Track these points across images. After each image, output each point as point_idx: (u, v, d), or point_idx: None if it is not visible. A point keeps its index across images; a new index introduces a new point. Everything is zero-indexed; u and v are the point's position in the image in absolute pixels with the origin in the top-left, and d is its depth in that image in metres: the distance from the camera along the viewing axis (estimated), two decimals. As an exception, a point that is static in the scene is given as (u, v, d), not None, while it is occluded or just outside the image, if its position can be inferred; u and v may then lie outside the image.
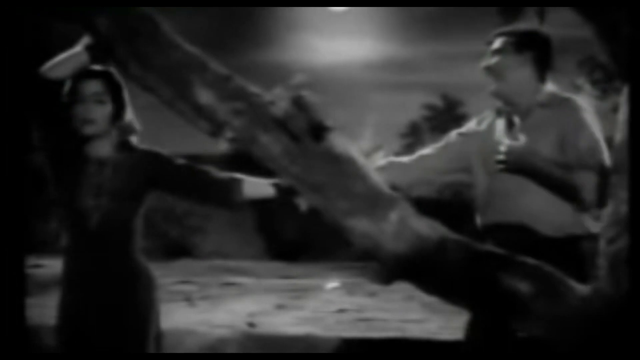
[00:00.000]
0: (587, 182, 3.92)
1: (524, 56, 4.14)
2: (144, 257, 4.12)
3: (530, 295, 3.58)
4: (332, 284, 11.55)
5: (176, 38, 3.71)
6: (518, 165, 3.93)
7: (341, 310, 8.99)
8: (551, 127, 4.07)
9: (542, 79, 4.18)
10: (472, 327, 4.15)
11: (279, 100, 3.60)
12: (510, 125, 4.19)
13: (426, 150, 4.53)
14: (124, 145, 4.14)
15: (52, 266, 10.54)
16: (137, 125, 4.21)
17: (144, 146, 4.20)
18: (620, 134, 4.00)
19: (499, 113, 4.28)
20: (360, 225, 3.57)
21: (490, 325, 3.90)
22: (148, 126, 4.21)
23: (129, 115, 4.19)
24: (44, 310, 7.67)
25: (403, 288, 4.14)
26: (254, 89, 3.68)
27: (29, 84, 3.85)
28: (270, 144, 3.58)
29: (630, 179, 3.65)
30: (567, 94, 4.22)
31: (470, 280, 3.60)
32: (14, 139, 3.65)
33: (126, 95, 4.16)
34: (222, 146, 3.66)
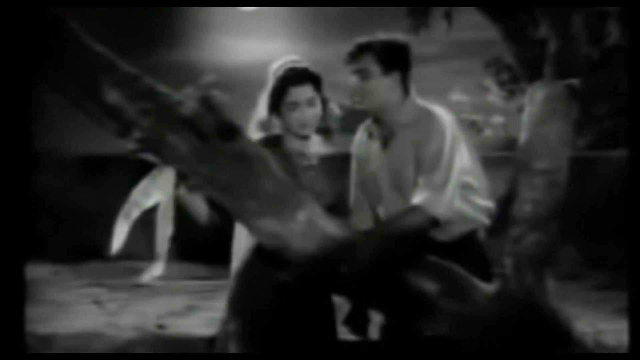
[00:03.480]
0: (430, 201, 3.83)
1: (391, 78, 4.01)
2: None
3: (437, 295, 3.62)
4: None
5: (84, 38, 3.68)
6: (367, 250, 3.80)
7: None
8: (411, 145, 3.97)
9: (406, 92, 4.06)
10: (385, 328, 4.12)
11: (187, 100, 3.58)
12: (383, 145, 4.06)
13: (355, 206, 4.26)
14: (324, 133, 4.18)
15: (43, 269, 10.39)
16: (335, 111, 4.19)
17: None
18: (524, 134, 4.07)
19: (370, 129, 4.17)
20: (268, 226, 3.58)
21: (397, 322, 3.88)
22: (56, 126, 4.15)
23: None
24: (44, 311, 7.57)
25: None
26: (163, 88, 3.65)
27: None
28: (179, 144, 3.56)
29: (630, 179, 3.70)
30: (427, 106, 4.06)
31: (377, 280, 3.62)
32: (15, 139, 3.59)
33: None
34: (130, 146, 3.62)
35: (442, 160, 3.86)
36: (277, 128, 4.04)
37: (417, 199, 3.82)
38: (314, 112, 3.97)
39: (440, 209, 3.81)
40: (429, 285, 3.62)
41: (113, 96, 3.58)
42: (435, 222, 3.83)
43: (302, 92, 3.95)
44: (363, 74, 4.00)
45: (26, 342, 6.51)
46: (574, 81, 4.26)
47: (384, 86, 3.99)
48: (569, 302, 4.32)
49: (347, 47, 4.08)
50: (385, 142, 4.05)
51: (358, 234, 3.75)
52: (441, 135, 3.90)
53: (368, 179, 4.11)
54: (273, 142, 3.98)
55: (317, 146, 4.09)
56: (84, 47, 3.64)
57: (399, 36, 4.08)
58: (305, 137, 4.02)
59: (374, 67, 3.98)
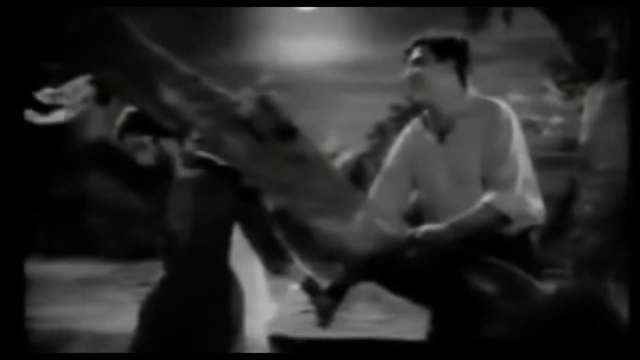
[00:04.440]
0: (501, 199, 3.78)
1: (446, 64, 3.99)
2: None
3: (496, 296, 3.59)
4: (297, 284, 11.53)
5: (142, 38, 3.70)
6: (435, 247, 3.76)
7: (306, 311, 8.97)
8: (475, 137, 3.93)
9: (464, 85, 4.02)
10: (435, 326, 4.09)
11: (245, 100, 3.59)
12: (440, 138, 3.98)
13: (377, 195, 4.18)
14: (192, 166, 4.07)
15: (51, 267, 10.50)
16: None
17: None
18: (584, 135, 4.03)
19: (425, 124, 4.09)
20: (326, 226, 3.57)
21: (453, 323, 3.84)
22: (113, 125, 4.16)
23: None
24: (44, 311, 7.65)
25: (369, 288, 4.12)
26: (220, 89, 3.67)
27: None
28: (236, 145, 3.57)
29: (630, 179, 3.65)
30: (488, 99, 4.04)
31: (436, 281, 3.60)
32: (15, 140, 3.62)
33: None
34: (188, 147, 3.65)
35: (508, 153, 3.82)
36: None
37: (488, 197, 3.78)
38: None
39: (511, 206, 3.76)
40: (488, 286, 3.59)
41: (171, 97, 3.60)
42: (505, 220, 3.78)
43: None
44: (417, 62, 3.99)
45: (83, 340, 6.58)
46: (635, 82, 4.20)
47: (438, 72, 3.97)
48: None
49: (402, 47, 4.07)
50: (443, 135, 3.99)
51: (418, 233, 3.72)
52: (507, 127, 3.87)
53: (420, 173, 4.05)
54: None
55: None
56: (142, 47, 3.66)
57: (454, 33, 4.06)
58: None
59: (428, 55, 3.99)
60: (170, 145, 3.98)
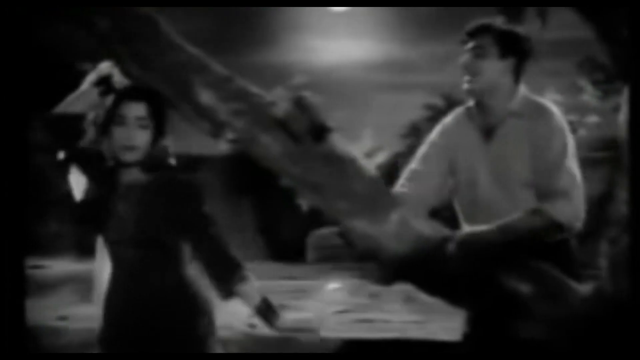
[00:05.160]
0: (559, 208, 3.70)
1: (507, 62, 3.91)
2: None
3: (532, 297, 3.57)
4: (333, 284, 11.53)
5: (176, 39, 3.71)
6: (473, 252, 3.70)
7: (342, 311, 8.98)
8: (524, 139, 3.85)
9: (517, 82, 3.97)
10: (470, 327, 4.07)
11: (279, 100, 3.59)
12: (486, 135, 3.93)
13: (409, 182, 4.04)
14: (154, 169, 3.69)
15: (51, 267, 10.55)
16: (170, 149, 3.77)
17: (181, 174, 3.74)
18: (623, 134, 3.99)
19: (470, 117, 4.01)
20: (361, 227, 3.57)
21: (489, 324, 3.81)
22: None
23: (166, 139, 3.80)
24: (44, 311, 7.68)
25: (404, 289, 4.11)
26: (254, 89, 3.67)
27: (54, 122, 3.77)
28: (271, 145, 3.58)
29: (630, 179, 3.64)
30: (538, 100, 3.99)
31: (471, 281, 3.59)
32: (15, 140, 3.64)
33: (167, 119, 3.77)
34: (223, 147, 3.65)
35: (565, 161, 3.78)
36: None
37: (546, 204, 3.73)
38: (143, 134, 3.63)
39: (568, 216, 3.73)
40: (524, 287, 3.57)
41: (206, 97, 3.61)
42: (558, 228, 3.74)
43: (133, 109, 3.63)
44: (478, 52, 3.90)
45: (80, 339, 6.60)
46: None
47: (497, 69, 3.90)
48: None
49: (435, 46, 4.03)
50: (490, 132, 3.94)
51: (461, 235, 3.69)
52: (562, 133, 3.83)
53: (461, 168, 3.99)
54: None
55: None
56: (176, 47, 3.68)
57: (520, 28, 4.02)
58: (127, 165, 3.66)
59: (491, 48, 3.90)
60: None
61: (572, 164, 3.81)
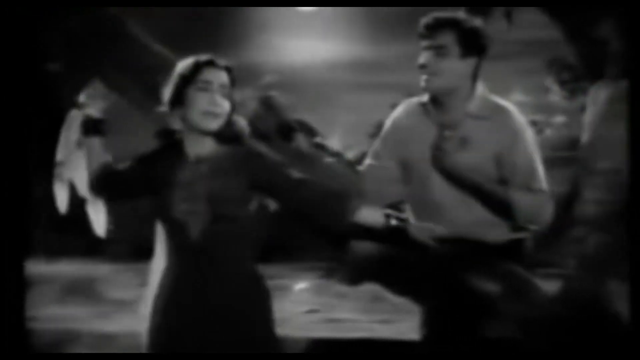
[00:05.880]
0: (521, 202, 3.70)
1: (467, 62, 3.75)
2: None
3: (499, 296, 3.58)
4: (301, 284, 11.52)
5: (145, 39, 3.70)
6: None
7: (310, 311, 8.96)
8: (486, 142, 3.77)
9: (475, 82, 3.83)
10: (427, 328, 4.00)
11: (248, 100, 3.59)
12: (442, 134, 3.80)
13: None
14: (231, 141, 3.54)
15: (52, 268, 10.50)
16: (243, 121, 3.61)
17: (248, 143, 3.60)
18: (586, 135, 4.02)
19: (426, 113, 3.88)
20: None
21: (455, 323, 3.77)
22: (116, 127, 4.14)
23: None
24: (45, 311, 7.64)
25: (372, 289, 4.11)
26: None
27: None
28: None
29: (630, 178, 3.65)
30: (496, 100, 3.88)
31: (438, 281, 3.59)
32: (15, 140, 3.62)
33: None
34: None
35: (537, 163, 3.76)
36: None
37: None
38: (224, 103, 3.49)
39: (550, 213, 3.73)
40: (491, 287, 3.58)
41: (173, 97, 3.60)
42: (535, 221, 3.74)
43: (217, 75, 3.50)
44: (440, 51, 3.77)
45: (85, 341, 6.58)
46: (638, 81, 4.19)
47: (457, 69, 3.77)
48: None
49: (403, 46, 3.95)
50: (446, 131, 3.82)
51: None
52: (529, 136, 3.81)
53: (413, 165, 3.90)
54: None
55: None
56: (144, 48, 3.67)
57: (478, 22, 3.87)
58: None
59: (453, 47, 3.77)
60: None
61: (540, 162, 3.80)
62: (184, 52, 3.68)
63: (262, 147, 3.64)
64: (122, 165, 3.60)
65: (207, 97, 3.43)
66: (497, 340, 3.66)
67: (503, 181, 3.78)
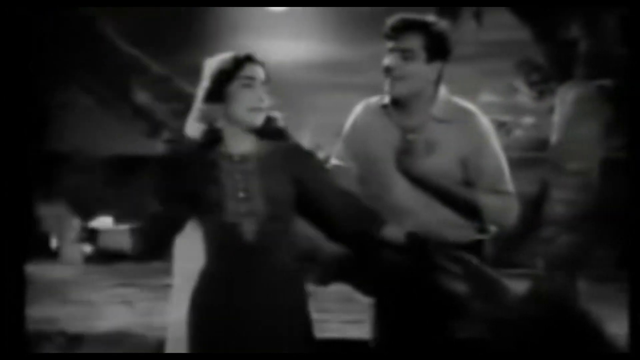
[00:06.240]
0: (489, 204, 3.67)
1: (432, 66, 3.70)
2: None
3: (467, 296, 3.59)
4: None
5: (115, 39, 3.69)
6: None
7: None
8: (450, 146, 3.71)
9: (438, 85, 3.76)
10: (380, 326, 3.95)
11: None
12: (404, 137, 3.74)
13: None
14: (273, 137, 3.48)
15: (52, 270, 10.44)
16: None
17: (291, 139, 3.55)
18: (555, 135, 4.03)
19: (388, 115, 3.82)
20: (298, 227, 3.56)
21: (424, 324, 3.74)
22: (84, 127, 4.14)
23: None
24: (75, 311, 7.62)
25: (341, 289, 4.11)
26: (192, 90, 3.66)
27: None
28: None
29: (630, 178, 3.67)
30: (460, 103, 3.81)
31: (407, 281, 3.60)
32: (15, 141, 3.61)
33: None
34: (159, 147, 3.62)
35: (503, 165, 3.74)
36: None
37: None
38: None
39: (515, 216, 3.72)
40: (459, 286, 3.59)
41: (143, 97, 3.60)
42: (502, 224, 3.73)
43: (258, 71, 3.45)
44: (406, 55, 3.70)
45: (56, 342, 6.56)
46: (605, 82, 4.22)
47: (424, 73, 3.71)
48: (602, 303, 4.29)
49: (374, 47, 3.91)
50: (408, 134, 3.76)
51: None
52: (494, 138, 3.78)
53: (373, 166, 3.84)
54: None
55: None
56: (115, 48, 3.66)
57: (445, 25, 3.80)
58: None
59: (420, 52, 3.70)
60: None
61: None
62: (155, 53, 3.67)
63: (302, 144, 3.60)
64: (152, 208, 3.47)
65: (252, 93, 3.39)
66: (465, 341, 3.67)
67: (468, 183, 3.75)
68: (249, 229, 3.34)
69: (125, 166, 11.33)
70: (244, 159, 3.39)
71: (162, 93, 3.60)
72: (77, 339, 6.63)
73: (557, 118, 4.14)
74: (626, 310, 3.97)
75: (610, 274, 9.03)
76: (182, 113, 3.54)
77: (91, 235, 3.42)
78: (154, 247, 3.47)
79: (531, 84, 14.97)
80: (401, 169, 3.73)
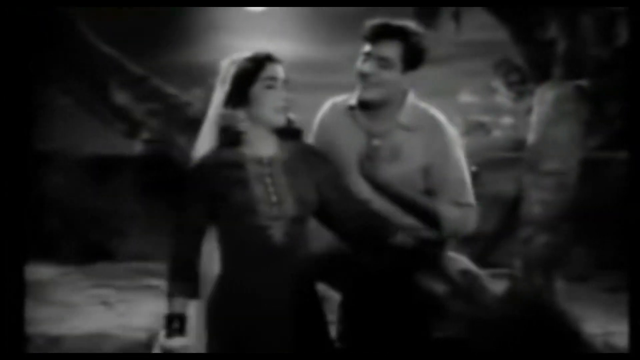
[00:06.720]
0: (450, 216, 3.61)
1: (407, 76, 3.68)
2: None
3: (446, 295, 3.60)
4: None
5: (92, 39, 3.69)
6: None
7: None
8: (415, 153, 3.68)
9: (407, 91, 3.73)
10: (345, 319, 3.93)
11: (196, 101, 3.58)
12: (370, 142, 3.68)
13: None
14: (287, 138, 3.42)
15: (51, 270, 10.39)
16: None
17: (306, 141, 3.54)
18: (533, 135, 4.04)
19: (354, 118, 3.77)
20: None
21: (404, 323, 3.72)
22: (66, 127, 4.13)
23: None
24: (54, 312, 7.58)
25: (319, 288, 4.11)
26: (171, 89, 3.66)
27: None
28: (187, 146, 3.55)
29: (630, 177, 3.68)
30: (427, 109, 3.77)
31: (386, 281, 3.60)
32: (15, 141, 3.60)
33: None
34: (137, 147, 3.62)
35: (466, 176, 3.72)
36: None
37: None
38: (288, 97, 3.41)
39: (473, 225, 3.70)
40: (438, 286, 3.59)
41: (121, 97, 3.59)
42: (457, 233, 3.71)
43: (279, 70, 3.43)
44: (382, 63, 3.66)
45: (35, 343, 6.53)
46: (583, 82, 4.24)
47: (398, 82, 3.67)
48: (579, 303, 4.31)
49: (352, 47, 3.87)
50: (374, 139, 3.71)
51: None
52: (459, 148, 3.75)
53: (336, 162, 3.68)
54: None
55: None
56: (92, 48, 3.65)
57: (423, 35, 3.74)
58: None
59: (397, 61, 3.67)
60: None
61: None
62: (132, 53, 3.67)
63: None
64: (180, 238, 3.38)
65: (275, 93, 3.36)
66: (444, 340, 3.68)
67: (429, 192, 3.73)
68: (277, 231, 3.29)
69: (107, 166, 11.32)
70: (271, 161, 3.35)
71: (140, 93, 3.58)
72: (56, 340, 6.61)
73: (534, 118, 4.14)
74: (619, 311, 4.00)
75: (589, 273, 9.10)
76: (161, 113, 3.55)
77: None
78: (196, 279, 3.37)
79: (510, 85, 15.01)
80: (364, 174, 3.68)
